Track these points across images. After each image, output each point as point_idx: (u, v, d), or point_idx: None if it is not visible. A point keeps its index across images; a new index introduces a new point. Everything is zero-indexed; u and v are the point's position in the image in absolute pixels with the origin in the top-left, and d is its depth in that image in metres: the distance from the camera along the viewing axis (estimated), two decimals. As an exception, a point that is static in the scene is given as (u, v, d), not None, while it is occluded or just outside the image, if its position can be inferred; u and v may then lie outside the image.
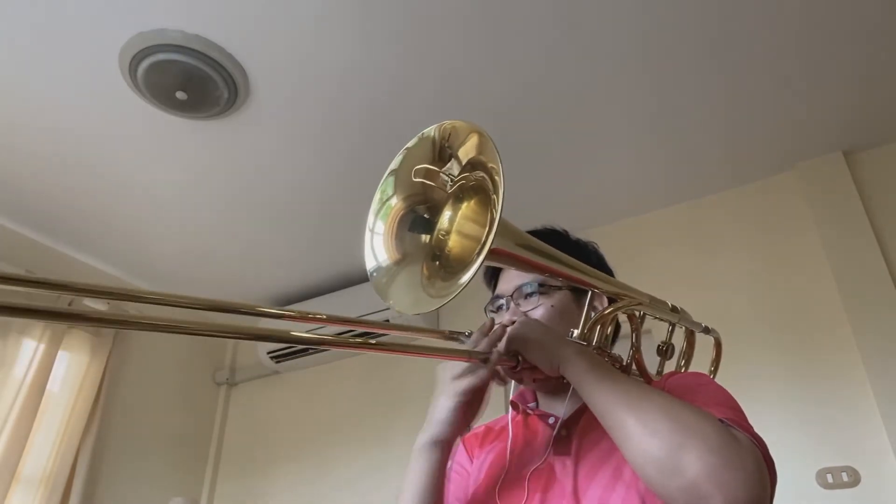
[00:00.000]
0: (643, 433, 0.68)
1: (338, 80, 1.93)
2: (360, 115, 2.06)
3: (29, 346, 2.42)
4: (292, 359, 3.01)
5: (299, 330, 0.72)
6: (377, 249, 0.85)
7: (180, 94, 1.91)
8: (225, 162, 2.25)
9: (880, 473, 1.82)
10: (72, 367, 2.57)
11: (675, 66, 1.92)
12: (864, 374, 1.92)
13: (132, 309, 2.63)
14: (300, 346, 2.78)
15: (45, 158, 2.18)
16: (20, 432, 2.27)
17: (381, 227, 0.86)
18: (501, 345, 0.86)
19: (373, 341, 0.74)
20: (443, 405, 0.82)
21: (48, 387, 2.41)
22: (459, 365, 0.82)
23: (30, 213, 2.44)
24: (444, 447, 0.84)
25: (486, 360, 0.81)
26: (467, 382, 0.81)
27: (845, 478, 1.85)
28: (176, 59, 1.81)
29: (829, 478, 1.86)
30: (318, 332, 0.79)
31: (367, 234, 0.86)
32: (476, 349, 0.82)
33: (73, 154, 2.17)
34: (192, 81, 1.88)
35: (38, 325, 2.45)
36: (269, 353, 2.96)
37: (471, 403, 0.83)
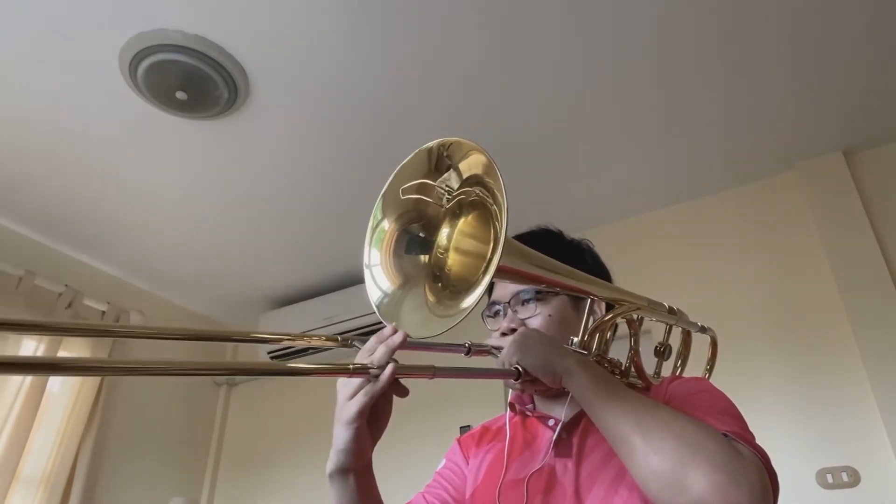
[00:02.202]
0: (647, 450, 0.68)
1: (339, 79, 1.93)
2: (362, 115, 2.05)
3: (29, 347, 2.42)
4: (292, 359, 3.01)
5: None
6: (378, 279, 0.81)
7: (180, 94, 1.91)
8: (225, 162, 2.25)
9: (880, 473, 1.82)
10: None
11: (676, 67, 1.92)
12: (864, 374, 1.92)
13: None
14: (300, 347, 2.79)
15: (44, 158, 2.18)
16: (20, 432, 2.27)
17: (376, 256, 0.81)
18: (504, 358, 0.85)
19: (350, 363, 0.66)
20: (340, 434, 0.74)
21: (48, 387, 2.41)
22: (352, 384, 0.72)
23: (30, 212, 2.44)
24: (355, 473, 0.78)
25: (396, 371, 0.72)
26: (359, 404, 0.71)
27: (845, 478, 1.85)
28: (176, 59, 1.81)
29: (829, 478, 1.86)
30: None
31: (366, 272, 0.81)
32: (367, 360, 0.71)
33: (72, 154, 2.17)
34: (192, 81, 1.88)
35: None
36: (269, 353, 2.96)
37: (372, 421, 0.75)
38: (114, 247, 2.69)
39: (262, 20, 1.74)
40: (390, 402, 0.77)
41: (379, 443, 0.78)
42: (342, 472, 0.78)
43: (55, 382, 2.49)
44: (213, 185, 2.37)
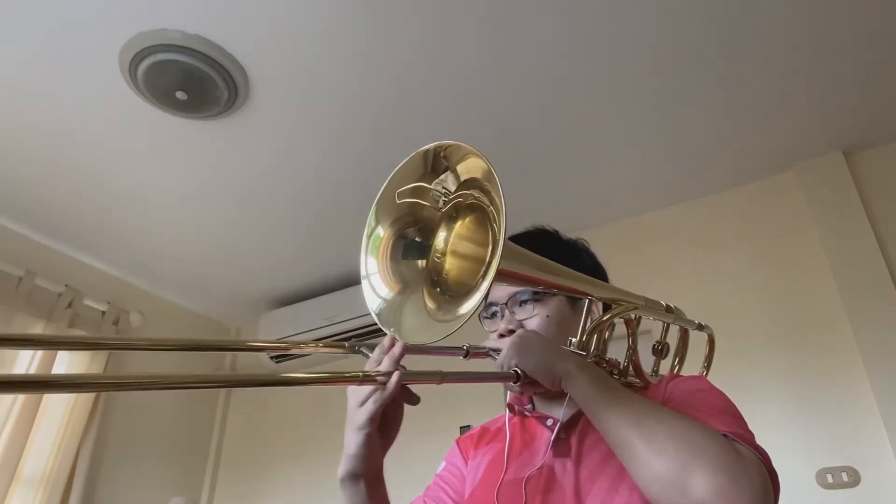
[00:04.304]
0: (649, 452, 0.69)
1: (339, 79, 1.92)
2: (362, 115, 2.05)
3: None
4: (292, 359, 3.01)
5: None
6: (377, 287, 0.80)
7: (180, 94, 1.91)
8: (225, 162, 2.25)
9: (880, 473, 1.82)
10: (72, 367, 2.56)
11: (676, 67, 1.92)
12: (864, 374, 1.92)
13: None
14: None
15: (44, 158, 2.18)
16: (20, 432, 2.27)
17: (373, 264, 0.80)
18: (503, 360, 0.84)
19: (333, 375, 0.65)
20: (351, 439, 0.77)
21: (48, 387, 2.41)
22: (362, 391, 0.74)
23: (30, 212, 2.44)
24: (366, 479, 0.80)
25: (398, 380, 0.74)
26: (368, 411, 0.73)
27: (845, 478, 1.85)
28: (176, 59, 1.81)
29: (829, 478, 1.86)
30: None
31: (364, 282, 0.80)
32: (375, 370, 0.73)
33: (72, 154, 2.17)
34: (192, 81, 1.88)
35: (38, 325, 2.45)
36: (272, 356, 2.96)
37: (383, 427, 0.77)
38: (114, 247, 2.69)
39: (262, 20, 1.74)
40: (401, 409, 0.79)
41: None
42: (353, 477, 0.80)
43: (55, 382, 2.48)
44: (213, 185, 2.37)
